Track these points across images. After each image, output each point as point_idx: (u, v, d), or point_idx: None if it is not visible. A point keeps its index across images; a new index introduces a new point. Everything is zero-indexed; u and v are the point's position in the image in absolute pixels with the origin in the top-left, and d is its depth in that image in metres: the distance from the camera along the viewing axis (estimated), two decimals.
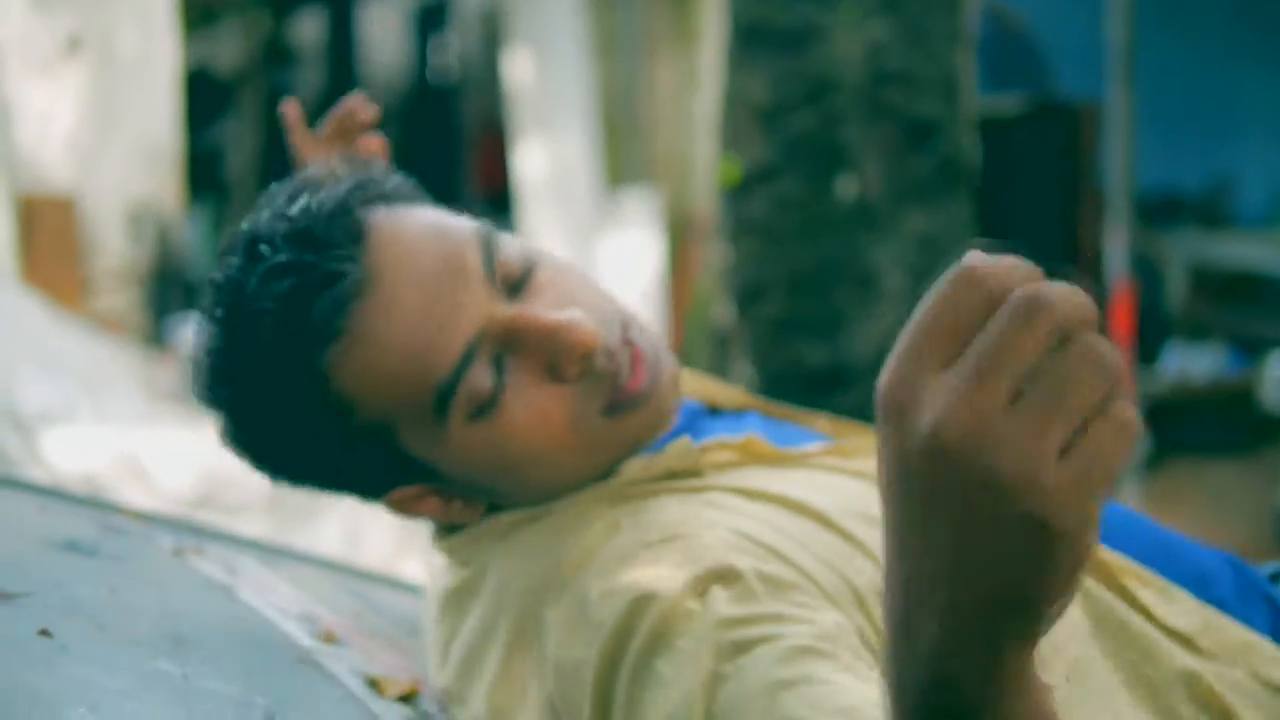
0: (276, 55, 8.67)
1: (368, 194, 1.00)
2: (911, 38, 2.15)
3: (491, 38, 7.72)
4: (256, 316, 0.95)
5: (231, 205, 8.00)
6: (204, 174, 7.21)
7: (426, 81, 8.88)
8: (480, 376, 0.97)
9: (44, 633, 0.95)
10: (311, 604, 1.29)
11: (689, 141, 5.72)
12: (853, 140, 2.14)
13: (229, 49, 8.03)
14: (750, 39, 2.20)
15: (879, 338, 2.13)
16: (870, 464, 1.05)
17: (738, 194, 2.22)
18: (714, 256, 2.38)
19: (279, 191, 1.01)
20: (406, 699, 1.07)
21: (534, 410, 0.98)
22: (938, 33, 2.18)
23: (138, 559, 1.23)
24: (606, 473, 1.03)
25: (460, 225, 1.00)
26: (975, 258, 0.54)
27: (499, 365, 0.98)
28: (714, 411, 1.20)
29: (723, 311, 2.27)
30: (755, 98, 2.19)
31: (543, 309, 0.99)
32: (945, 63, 2.20)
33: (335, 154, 1.24)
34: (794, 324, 2.16)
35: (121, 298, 5.14)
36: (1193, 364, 5.18)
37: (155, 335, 5.20)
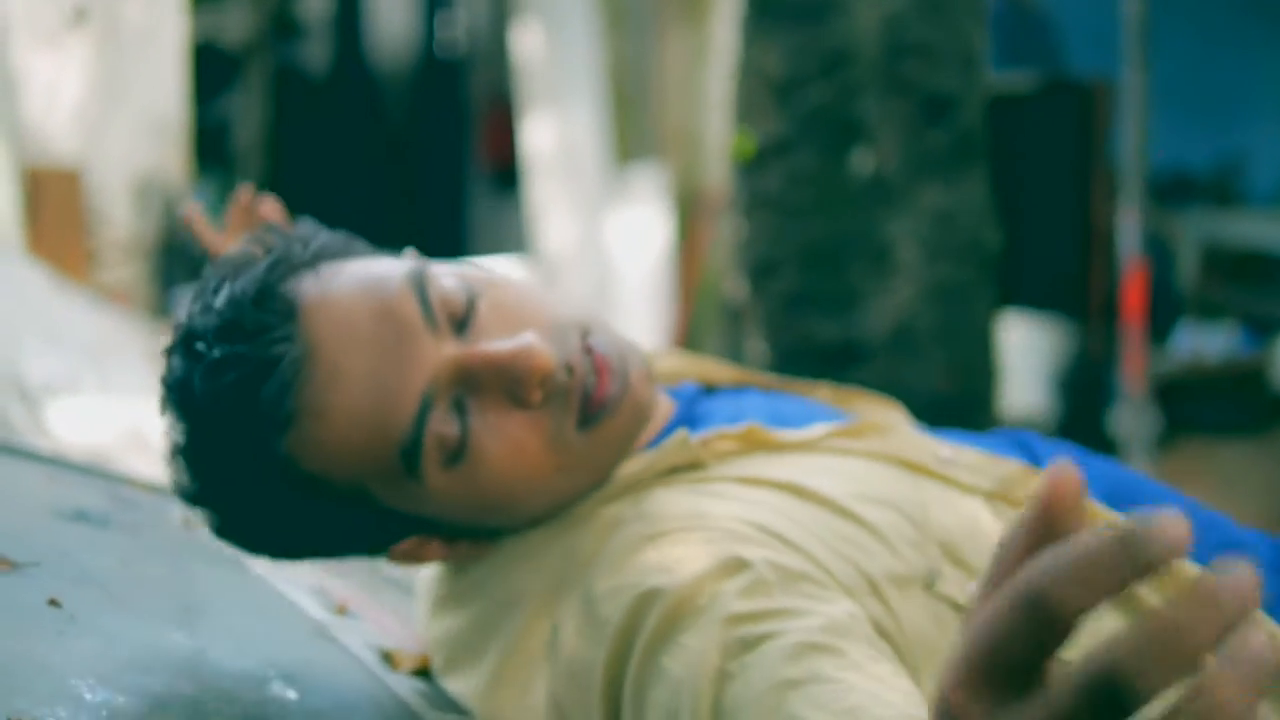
0: (284, 28, 8.63)
1: (290, 265, 0.97)
2: (930, 10, 2.13)
3: (500, 11, 7.69)
4: (208, 416, 0.94)
5: (238, 178, 7.98)
6: (211, 147, 7.19)
7: (434, 55, 8.84)
8: (443, 424, 0.94)
9: (53, 602, 0.93)
10: (323, 575, 1.27)
11: (699, 117, 5.68)
12: (869, 113, 2.12)
13: (237, 21, 8.00)
14: (766, 10, 2.17)
15: (894, 314, 2.10)
16: (882, 443, 1.03)
17: (751, 167, 2.20)
18: (727, 231, 2.36)
19: (206, 280, 0.99)
20: (420, 672, 1.06)
21: (507, 443, 0.96)
22: (956, 5, 2.16)
23: (148, 530, 1.21)
24: (604, 480, 1.01)
25: (391, 274, 0.97)
26: (1049, 565, 0.44)
27: (460, 408, 0.95)
28: (711, 390, 1.17)
29: (735, 287, 2.25)
30: (770, 70, 2.17)
31: (492, 339, 0.96)
32: (964, 36, 2.17)
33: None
34: (807, 299, 2.13)
35: (128, 270, 5.13)
36: (1205, 343, 5.16)
37: (162, 307, 5.18)
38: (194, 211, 1.27)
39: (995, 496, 1.00)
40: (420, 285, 0.96)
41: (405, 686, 1.02)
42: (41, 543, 1.05)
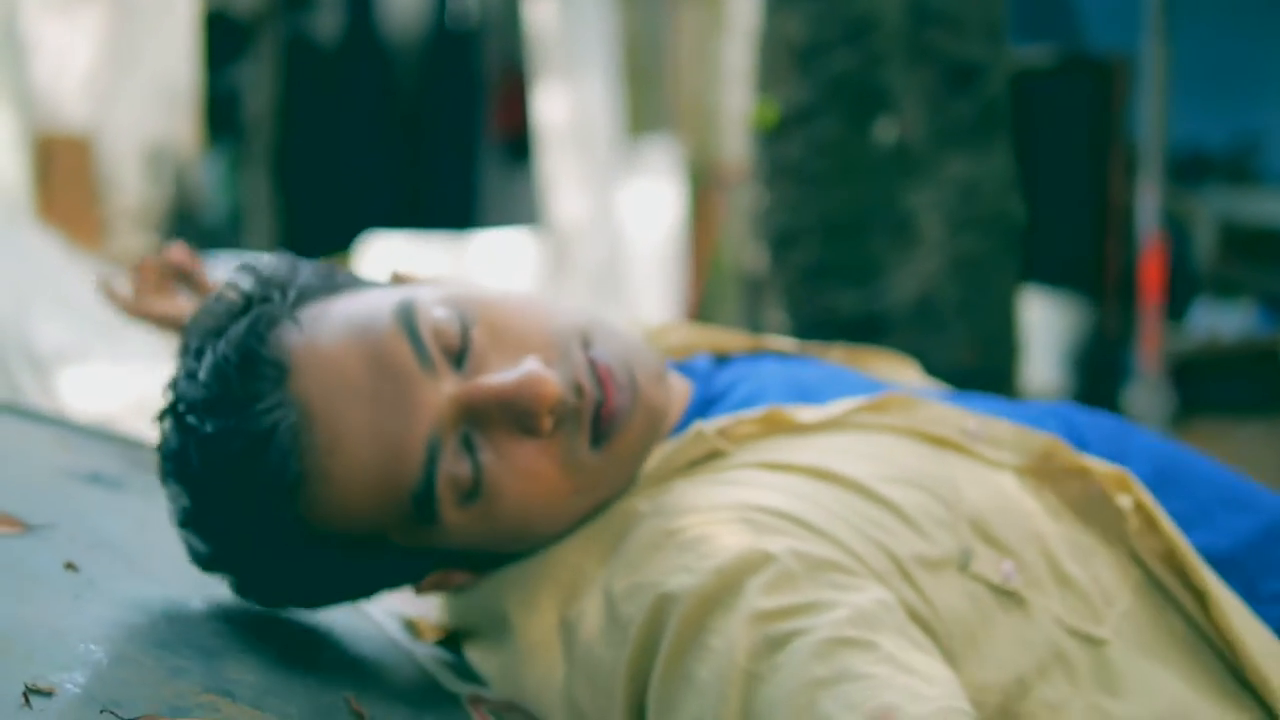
0: None
1: (272, 318, 0.92)
2: None
3: None
4: (211, 488, 0.91)
5: (249, 148, 7.95)
6: (222, 116, 7.16)
7: (446, 25, 8.80)
8: (454, 465, 0.91)
9: (69, 566, 0.91)
10: None
11: (712, 89, 5.65)
12: (893, 82, 2.09)
13: None
14: None
15: (916, 285, 2.08)
16: (907, 417, 1.00)
17: (773, 136, 2.17)
18: (747, 200, 2.34)
19: (187, 340, 0.94)
20: (443, 642, 1.04)
21: (522, 474, 0.93)
22: None
23: (163, 494, 1.19)
24: (626, 489, 0.98)
25: (378, 313, 0.93)
26: None
27: (469, 445, 0.92)
28: (724, 360, 1.14)
29: (755, 257, 2.22)
30: (793, 36, 2.14)
31: (493, 370, 0.93)
32: (988, 4, 2.14)
33: (168, 298, 1.19)
34: (829, 271, 2.11)
35: (138, 238, 5.11)
36: (1221, 322, 5.13)
37: None
38: (107, 285, 1.23)
39: (1025, 470, 0.97)
40: (409, 321, 0.92)
41: (428, 655, 1.00)
42: (56, 505, 1.02)
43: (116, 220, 5.11)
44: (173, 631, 0.88)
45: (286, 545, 0.92)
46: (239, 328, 0.92)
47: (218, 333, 0.92)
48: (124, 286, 1.23)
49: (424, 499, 0.91)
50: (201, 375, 0.91)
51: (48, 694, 0.75)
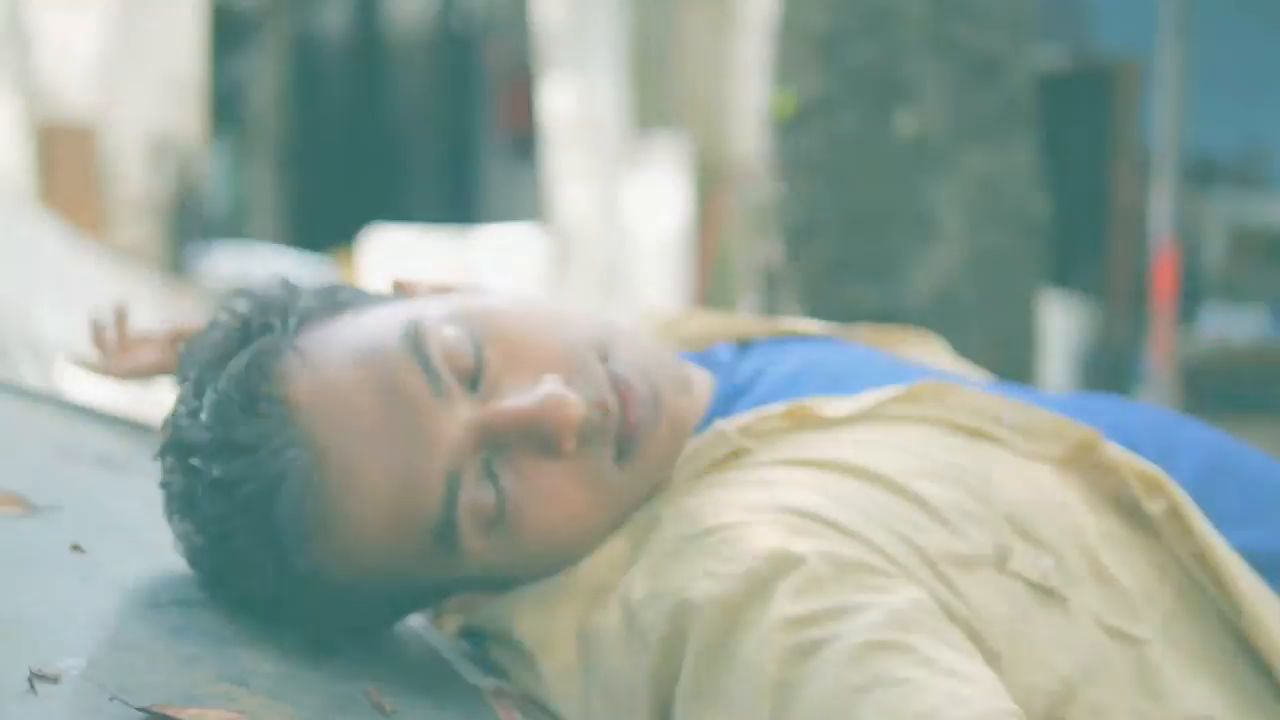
0: None
1: (273, 350, 0.87)
2: None
3: None
4: (223, 536, 0.87)
5: (254, 141, 7.94)
6: (227, 108, 7.15)
7: (452, 20, 8.79)
8: (476, 495, 0.87)
9: (76, 548, 0.88)
10: None
11: (720, 84, 5.64)
12: (914, 74, 2.06)
13: None
14: None
15: (936, 281, 2.05)
16: (940, 408, 0.96)
17: (791, 128, 2.14)
18: (754, 195, 2.31)
19: (184, 371, 0.90)
20: (463, 634, 1.01)
21: (547, 498, 0.89)
22: None
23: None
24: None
25: (385, 338, 0.88)
26: None
27: (491, 472, 0.88)
28: (746, 347, 1.10)
29: (771, 251, 2.19)
30: (813, 26, 2.11)
31: (510, 391, 0.89)
32: None
33: (147, 350, 1.14)
34: (848, 265, 2.09)
35: (142, 228, 5.10)
36: (1232, 325, 5.12)
37: (175, 266, 5.16)
38: (76, 358, 1.18)
39: (1063, 462, 0.94)
40: (419, 345, 0.88)
41: (449, 648, 0.97)
42: (63, 486, 1.00)
43: (120, 210, 5.10)
44: (184, 618, 0.85)
45: (302, 585, 0.88)
46: (239, 362, 0.87)
47: (217, 366, 0.88)
48: (93, 355, 1.18)
49: (445, 532, 0.87)
50: (204, 416, 0.87)
51: (54, 680, 0.72)
